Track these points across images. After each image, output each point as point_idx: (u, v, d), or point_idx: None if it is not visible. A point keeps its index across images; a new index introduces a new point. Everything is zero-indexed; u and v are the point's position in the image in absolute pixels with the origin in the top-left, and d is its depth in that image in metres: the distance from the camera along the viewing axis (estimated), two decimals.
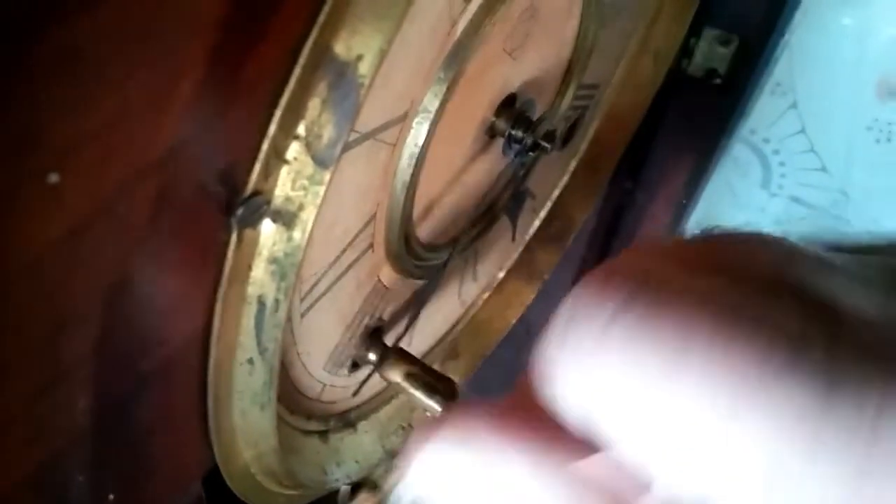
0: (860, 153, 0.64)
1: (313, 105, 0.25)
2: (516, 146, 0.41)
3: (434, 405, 0.37)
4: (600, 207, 0.63)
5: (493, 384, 0.84)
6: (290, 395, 0.38)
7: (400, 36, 0.25)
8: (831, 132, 0.64)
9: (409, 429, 0.50)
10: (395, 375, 0.37)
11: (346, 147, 0.28)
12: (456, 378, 0.54)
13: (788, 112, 0.64)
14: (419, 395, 0.38)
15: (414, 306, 0.44)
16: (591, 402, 0.19)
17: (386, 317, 0.42)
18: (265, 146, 0.26)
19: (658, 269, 0.20)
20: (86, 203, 0.21)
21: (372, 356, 0.38)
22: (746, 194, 0.69)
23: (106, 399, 0.26)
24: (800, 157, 0.66)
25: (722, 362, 0.17)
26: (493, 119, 0.41)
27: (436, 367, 0.53)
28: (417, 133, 0.34)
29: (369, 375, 0.41)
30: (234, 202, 0.26)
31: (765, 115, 0.64)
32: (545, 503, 0.19)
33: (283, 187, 0.26)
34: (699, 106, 0.63)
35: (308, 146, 0.26)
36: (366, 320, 0.40)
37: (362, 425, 0.46)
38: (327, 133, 0.25)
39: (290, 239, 0.27)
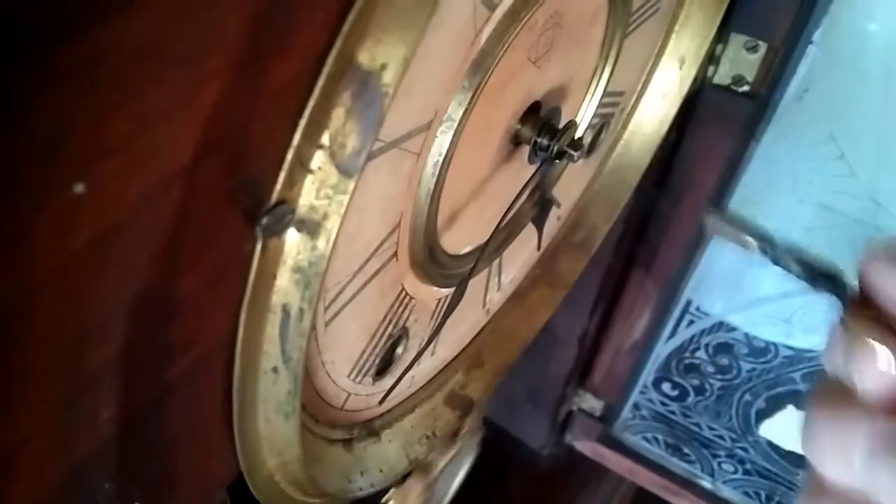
0: (890, 160, 0.63)
1: (337, 114, 0.25)
2: (541, 154, 0.41)
3: None
4: (626, 215, 0.63)
5: (519, 393, 0.84)
6: (314, 404, 0.38)
7: (424, 45, 0.25)
8: (860, 138, 0.63)
9: (434, 437, 0.49)
10: None
11: (370, 156, 0.28)
12: (481, 386, 0.54)
13: (818, 119, 0.63)
14: None
15: (438, 315, 0.44)
16: None
17: (410, 325, 0.42)
18: (289, 155, 0.26)
19: None
20: (111, 212, 0.22)
21: None
22: (774, 201, 0.69)
23: (131, 408, 0.26)
24: (829, 163, 0.65)
25: None
26: (518, 127, 0.41)
27: (460, 375, 0.53)
28: (442, 142, 0.34)
29: (408, 367, 0.40)
30: (259, 211, 0.26)
31: (791, 123, 0.63)
32: None
33: (308, 196, 0.26)
34: (726, 113, 0.62)
35: (332, 155, 0.26)
36: (390, 329, 0.40)
37: (386, 434, 0.46)
38: (351, 142, 0.25)
39: (314, 248, 0.27)
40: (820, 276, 0.26)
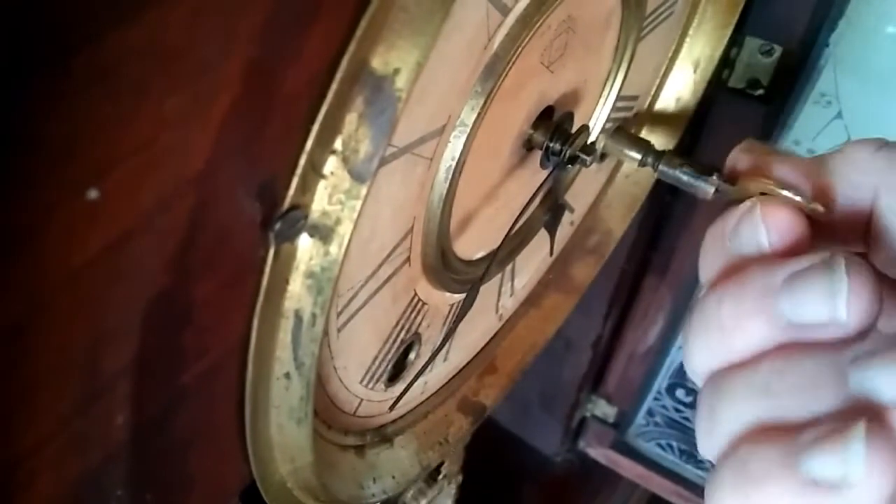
0: None
1: (350, 120, 0.25)
2: (554, 159, 0.41)
3: None
4: (640, 220, 0.63)
5: (532, 399, 0.84)
6: (327, 410, 0.38)
7: (437, 50, 0.25)
8: None
9: (447, 444, 0.49)
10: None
11: (383, 161, 0.28)
12: (494, 392, 0.53)
13: (834, 122, 0.62)
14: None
15: (451, 320, 0.43)
16: None
17: (423, 331, 0.42)
18: (302, 161, 0.26)
19: None
20: (125, 218, 0.22)
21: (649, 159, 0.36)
22: None
23: (144, 413, 0.26)
24: None
25: None
26: (531, 132, 0.40)
27: (473, 381, 0.53)
28: (454, 147, 0.34)
29: (421, 373, 0.40)
30: (272, 217, 0.26)
31: (809, 125, 0.63)
32: None
33: (321, 202, 0.26)
34: (741, 117, 0.62)
35: (345, 161, 0.26)
36: (402, 335, 0.40)
37: (399, 440, 0.45)
38: (364, 148, 0.25)
39: (327, 253, 0.27)
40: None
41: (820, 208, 0.25)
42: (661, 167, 0.34)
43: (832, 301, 0.22)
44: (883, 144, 0.25)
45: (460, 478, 0.60)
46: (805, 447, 0.21)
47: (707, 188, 0.31)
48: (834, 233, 0.26)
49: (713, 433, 0.23)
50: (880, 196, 0.25)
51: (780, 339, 0.23)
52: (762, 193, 0.26)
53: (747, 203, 0.25)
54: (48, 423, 0.23)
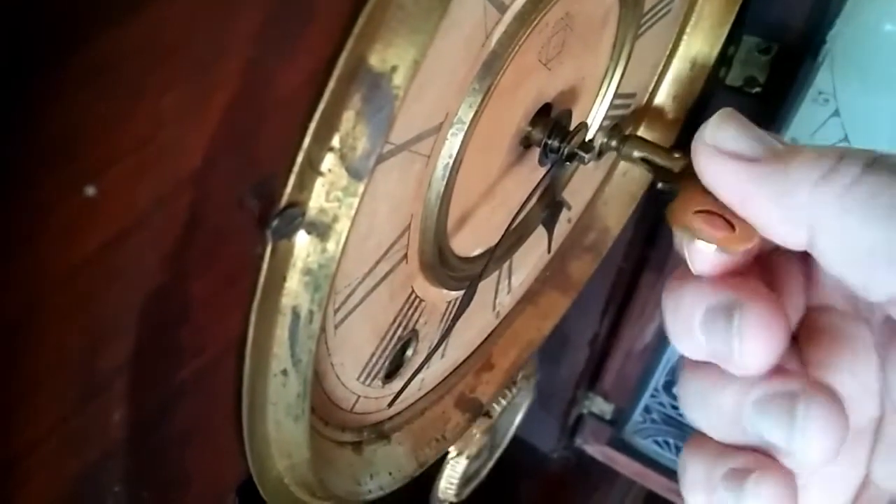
0: None
1: (348, 117, 0.25)
2: (552, 156, 0.41)
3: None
4: (637, 218, 0.63)
5: None
6: (324, 407, 0.38)
7: (434, 48, 0.25)
8: (875, 140, 0.63)
9: (444, 440, 0.49)
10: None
11: (381, 159, 0.28)
12: (491, 389, 0.53)
13: (831, 120, 0.62)
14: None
15: (449, 317, 0.43)
16: None
17: (420, 328, 0.42)
18: (300, 158, 0.26)
19: None
20: (122, 216, 0.22)
21: (613, 143, 0.37)
22: None
23: (141, 411, 0.26)
24: None
25: None
26: (529, 129, 0.40)
27: (470, 378, 0.53)
28: (452, 144, 0.34)
29: (418, 370, 0.40)
30: (270, 214, 0.26)
31: (806, 123, 0.63)
32: None
33: (318, 199, 0.26)
34: None
35: (342, 158, 0.26)
36: (399, 332, 0.40)
37: (396, 437, 0.46)
38: (361, 145, 0.25)
39: (324, 250, 0.27)
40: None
41: (748, 246, 0.25)
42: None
43: (731, 346, 0.24)
44: (826, 173, 0.23)
45: (537, 376, 0.62)
46: (720, 476, 0.25)
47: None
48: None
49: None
50: (816, 237, 0.24)
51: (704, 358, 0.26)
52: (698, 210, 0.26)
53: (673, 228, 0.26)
54: (45, 420, 0.23)
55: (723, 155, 0.25)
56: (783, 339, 0.24)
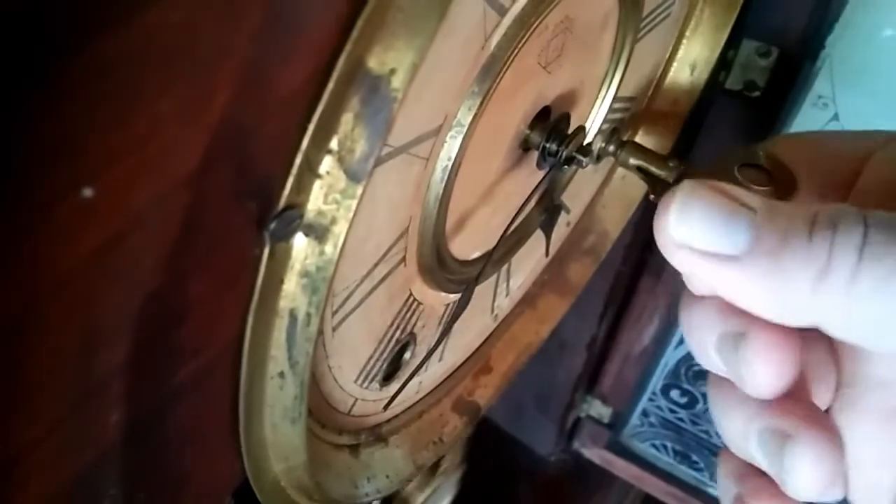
0: None
1: (346, 119, 0.25)
2: (551, 159, 0.41)
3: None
4: (636, 221, 0.63)
5: (527, 399, 0.84)
6: (321, 409, 0.38)
7: (433, 50, 0.25)
8: None
9: (441, 443, 0.49)
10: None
11: (379, 161, 0.28)
12: (489, 392, 0.53)
13: (830, 125, 0.63)
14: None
15: (446, 320, 0.43)
16: None
17: (418, 331, 0.42)
18: (298, 160, 0.26)
19: None
20: (119, 217, 0.22)
21: (611, 148, 0.37)
22: None
23: (138, 412, 0.26)
24: None
25: None
26: (528, 132, 0.40)
27: (468, 381, 0.53)
28: (451, 147, 0.34)
29: (415, 373, 0.41)
30: (267, 216, 0.26)
31: (806, 127, 0.63)
32: None
33: (316, 201, 0.26)
34: (738, 119, 0.62)
35: (341, 160, 0.26)
36: (397, 334, 0.40)
37: (393, 440, 0.46)
38: (360, 147, 0.25)
39: (322, 253, 0.27)
40: None
41: None
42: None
43: (741, 374, 0.25)
44: (822, 270, 0.22)
45: (463, 468, 0.61)
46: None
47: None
48: None
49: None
50: (822, 324, 0.23)
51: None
52: None
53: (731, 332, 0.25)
54: (42, 422, 0.23)
55: (700, 255, 0.23)
56: (792, 364, 0.24)
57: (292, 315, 0.28)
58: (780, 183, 0.26)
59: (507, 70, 0.34)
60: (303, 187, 0.26)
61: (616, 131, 0.36)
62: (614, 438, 0.87)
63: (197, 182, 0.23)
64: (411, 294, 0.39)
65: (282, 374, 0.30)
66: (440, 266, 0.40)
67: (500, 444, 0.83)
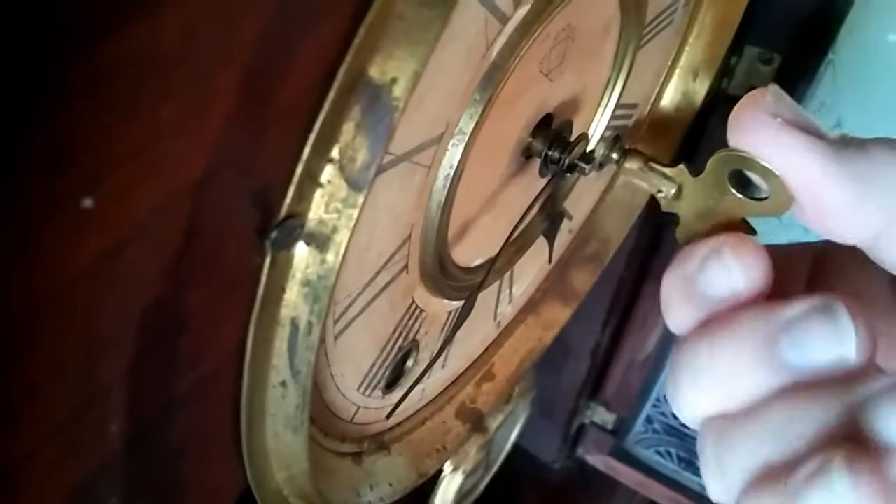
0: None
1: (347, 128, 0.25)
2: (553, 167, 0.41)
3: None
4: (639, 227, 0.63)
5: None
6: (323, 418, 0.38)
7: (435, 59, 0.25)
8: None
9: (444, 451, 0.49)
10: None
11: (381, 169, 0.28)
12: (492, 399, 0.53)
13: (833, 131, 0.62)
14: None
15: (449, 328, 0.43)
16: None
17: (420, 338, 0.42)
18: (299, 169, 0.26)
19: None
20: (119, 226, 0.22)
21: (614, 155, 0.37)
22: (791, 214, 0.68)
23: (139, 421, 0.26)
24: None
25: None
26: (530, 140, 0.40)
27: (471, 388, 0.53)
28: (452, 155, 0.34)
29: (418, 380, 0.40)
30: (269, 225, 0.26)
31: None
32: None
33: (317, 210, 0.26)
34: None
35: (342, 169, 0.26)
36: (400, 342, 0.40)
37: (396, 447, 0.45)
38: (361, 156, 0.25)
39: (323, 261, 0.27)
40: None
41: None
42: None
43: (840, 346, 0.22)
44: None
45: (533, 392, 0.62)
46: (799, 489, 0.21)
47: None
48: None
49: (725, 482, 0.23)
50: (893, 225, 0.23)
51: (782, 384, 0.23)
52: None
53: (710, 244, 0.24)
54: (42, 431, 0.23)
55: (793, 128, 0.23)
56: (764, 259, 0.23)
57: (294, 324, 0.28)
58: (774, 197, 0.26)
59: (508, 78, 0.34)
60: (304, 196, 0.26)
61: (618, 138, 0.36)
62: (618, 445, 0.87)
63: (197, 191, 0.23)
64: (414, 301, 0.39)
65: (283, 384, 0.29)
66: (443, 273, 0.40)
67: None
